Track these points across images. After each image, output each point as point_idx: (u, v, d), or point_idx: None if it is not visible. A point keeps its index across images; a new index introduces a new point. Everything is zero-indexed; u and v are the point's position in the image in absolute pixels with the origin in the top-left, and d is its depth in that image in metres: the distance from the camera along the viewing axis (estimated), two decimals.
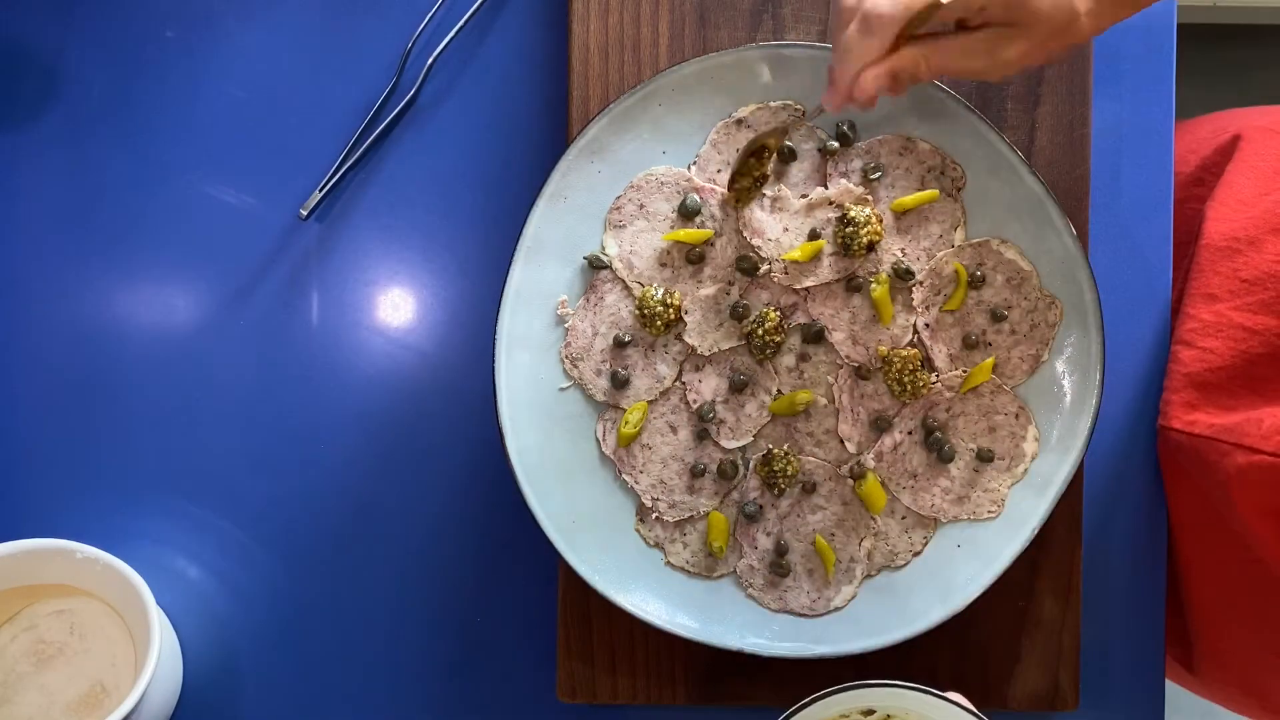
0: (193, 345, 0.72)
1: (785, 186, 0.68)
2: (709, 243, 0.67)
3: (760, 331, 0.66)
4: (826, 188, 0.68)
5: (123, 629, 0.67)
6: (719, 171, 0.68)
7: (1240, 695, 0.77)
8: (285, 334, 0.72)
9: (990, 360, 0.67)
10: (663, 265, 0.68)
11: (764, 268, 0.67)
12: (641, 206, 0.67)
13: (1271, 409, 0.64)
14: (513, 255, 0.66)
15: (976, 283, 0.67)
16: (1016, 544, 0.66)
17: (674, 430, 0.68)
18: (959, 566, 0.67)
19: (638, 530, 0.68)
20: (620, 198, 0.67)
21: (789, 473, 0.67)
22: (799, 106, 0.67)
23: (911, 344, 0.67)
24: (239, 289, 0.73)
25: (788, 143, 0.67)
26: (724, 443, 0.68)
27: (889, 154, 0.67)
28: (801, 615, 0.67)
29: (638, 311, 0.67)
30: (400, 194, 0.73)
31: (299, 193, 0.72)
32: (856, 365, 0.67)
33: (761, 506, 0.68)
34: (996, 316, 0.67)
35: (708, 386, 0.68)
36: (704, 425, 0.67)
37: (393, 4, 0.73)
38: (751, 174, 0.66)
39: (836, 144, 0.67)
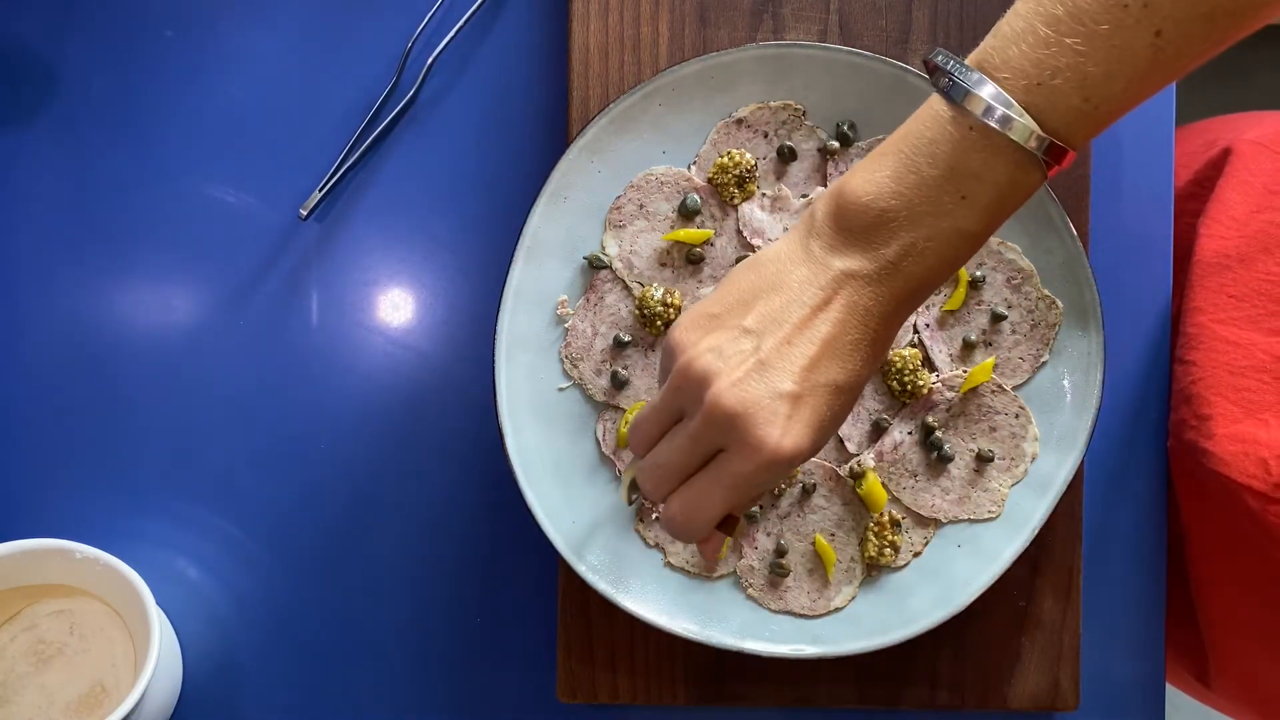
0: (192, 345, 0.72)
1: (785, 186, 0.68)
2: (709, 243, 0.67)
3: None
4: (826, 187, 0.68)
5: (123, 629, 0.67)
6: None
7: (1255, 711, 0.76)
8: (285, 334, 0.72)
9: (990, 360, 0.67)
10: (663, 265, 0.68)
11: None
12: (641, 206, 0.67)
13: (1267, 439, 0.64)
14: (513, 255, 0.66)
15: (976, 283, 0.67)
16: (1016, 544, 0.66)
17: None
18: (959, 566, 0.67)
19: (638, 530, 0.68)
20: (620, 198, 0.67)
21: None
22: (799, 107, 0.67)
23: (911, 344, 0.68)
24: (239, 289, 0.73)
25: (788, 142, 0.67)
26: None
27: None
28: (801, 615, 0.67)
29: (638, 311, 0.67)
30: (400, 194, 0.73)
31: (299, 193, 0.72)
32: None
33: (761, 507, 0.68)
34: (996, 316, 0.67)
35: None
36: None
37: (392, 4, 0.73)
38: None
39: (836, 144, 0.67)
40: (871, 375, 0.51)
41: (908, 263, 0.49)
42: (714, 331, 0.50)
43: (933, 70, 0.49)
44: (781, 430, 0.49)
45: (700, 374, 0.50)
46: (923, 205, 0.48)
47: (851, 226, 0.49)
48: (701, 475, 0.51)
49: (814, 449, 0.50)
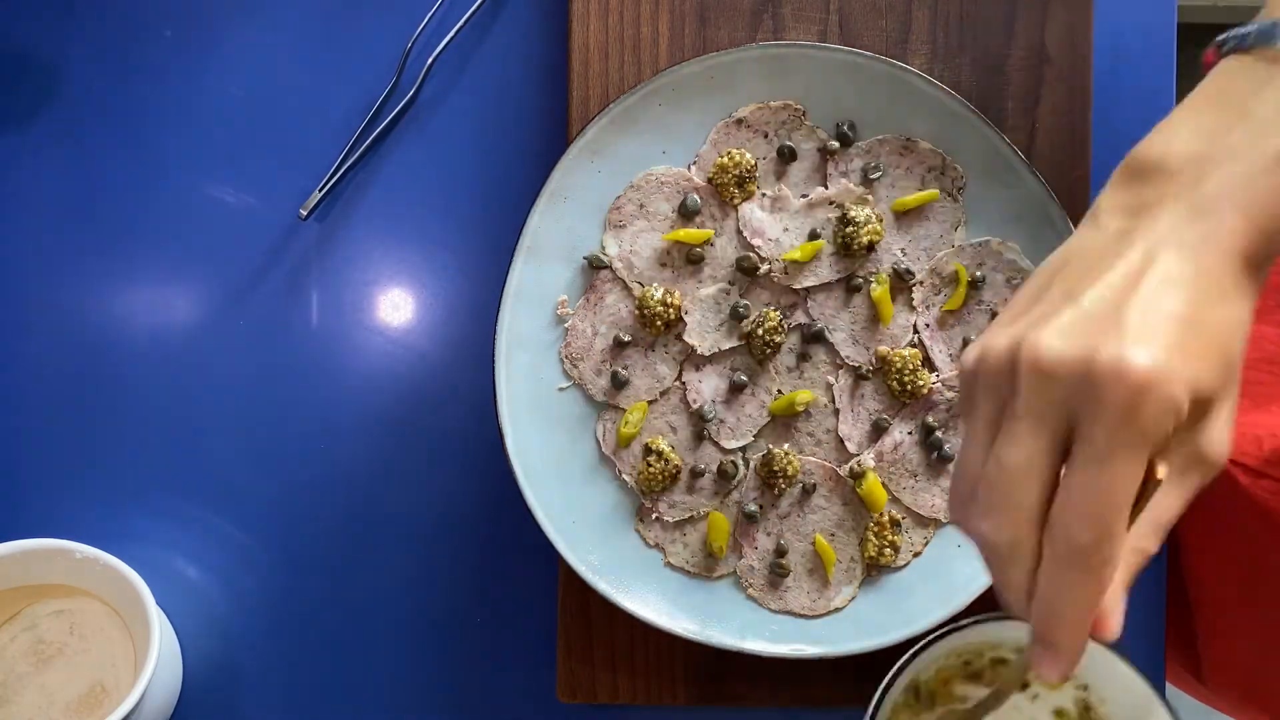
0: (192, 345, 0.72)
1: (785, 186, 0.68)
2: (709, 243, 0.67)
3: (760, 331, 0.66)
4: (826, 187, 0.68)
5: (123, 629, 0.67)
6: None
7: (1248, 705, 0.76)
8: (285, 334, 0.72)
9: None
10: (663, 265, 0.68)
11: (764, 268, 0.67)
12: (641, 206, 0.67)
13: (1267, 421, 0.64)
14: (513, 255, 0.66)
15: (976, 283, 0.67)
16: None
17: (674, 430, 0.68)
18: (959, 566, 0.67)
19: (638, 530, 0.68)
20: (620, 198, 0.67)
21: (789, 473, 0.67)
22: (799, 107, 0.67)
23: (911, 344, 0.68)
24: (239, 289, 0.73)
25: (788, 142, 0.67)
26: (724, 443, 0.68)
27: (889, 154, 0.67)
28: (801, 615, 0.67)
29: (637, 311, 0.67)
30: (400, 194, 0.73)
31: (299, 193, 0.72)
32: (856, 365, 0.67)
33: (761, 507, 0.67)
34: (997, 316, 0.67)
35: (708, 386, 0.68)
36: (704, 425, 0.67)
37: (392, 4, 0.73)
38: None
39: (836, 144, 0.67)
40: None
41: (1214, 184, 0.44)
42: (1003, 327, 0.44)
43: (1218, 51, 0.47)
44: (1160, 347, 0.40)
45: (1004, 346, 0.42)
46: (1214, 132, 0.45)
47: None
48: (1072, 460, 0.41)
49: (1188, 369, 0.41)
